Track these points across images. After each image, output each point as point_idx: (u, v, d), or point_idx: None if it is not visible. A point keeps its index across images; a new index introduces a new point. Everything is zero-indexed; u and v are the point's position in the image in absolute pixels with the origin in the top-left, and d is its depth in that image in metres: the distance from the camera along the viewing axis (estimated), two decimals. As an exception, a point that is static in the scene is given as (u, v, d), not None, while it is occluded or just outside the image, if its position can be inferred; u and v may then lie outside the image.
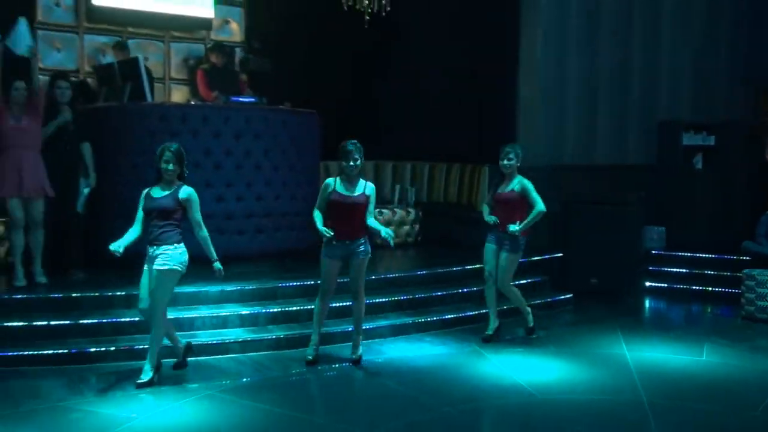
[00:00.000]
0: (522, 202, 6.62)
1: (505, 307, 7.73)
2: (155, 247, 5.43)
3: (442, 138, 10.65)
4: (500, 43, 10.31)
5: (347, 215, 5.91)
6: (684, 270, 9.60)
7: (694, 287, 9.36)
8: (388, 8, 9.76)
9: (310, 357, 6.08)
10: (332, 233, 5.79)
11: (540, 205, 6.56)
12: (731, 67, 11.00)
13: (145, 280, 5.51)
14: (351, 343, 6.24)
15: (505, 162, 6.64)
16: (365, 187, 6.00)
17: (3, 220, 7.35)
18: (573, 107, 10.27)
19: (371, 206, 6.00)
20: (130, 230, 5.48)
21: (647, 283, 9.60)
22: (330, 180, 6.05)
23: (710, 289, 9.28)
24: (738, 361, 6.46)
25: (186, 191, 5.50)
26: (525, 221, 6.55)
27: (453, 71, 10.79)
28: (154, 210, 5.45)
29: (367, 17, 9.77)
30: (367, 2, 9.78)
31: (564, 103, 10.19)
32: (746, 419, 5.08)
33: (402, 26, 10.68)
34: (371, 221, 5.96)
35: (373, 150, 9.65)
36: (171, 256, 5.40)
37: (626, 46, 10.54)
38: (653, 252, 9.93)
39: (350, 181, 5.96)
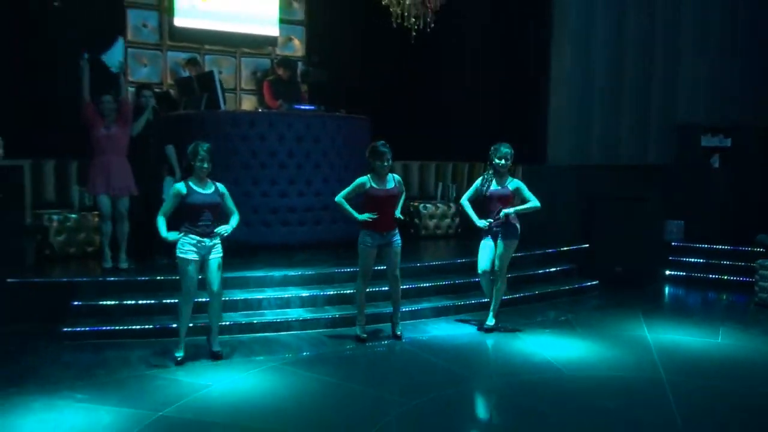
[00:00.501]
0: (513, 200, 6.40)
1: (537, 292, 7.69)
2: (209, 239, 5.30)
3: (481, 141, 10.48)
4: (533, 58, 10.18)
5: (385, 207, 5.89)
6: (701, 260, 9.37)
7: (710, 276, 9.13)
8: (432, 25, 9.72)
9: (364, 335, 6.08)
10: (375, 216, 5.79)
11: (536, 202, 6.30)
12: (746, 74, 10.66)
13: (192, 267, 5.30)
14: (393, 322, 6.26)
15: (504, 162, 6.34)
16: (394, 180, 6.04)
17: (96, 213, 7.55)
18: (598, 113, 10.09)
19: (403, 196, 6.11)
20: (164, 220, 5.26)
21: (667, 272, 9.39)
22: (364, 178, 5.97)
23: (726, 277, 9.06)
24: (751, 344, 6.28)
25: (221, 186, 5.45)
26: (519, 207, 6.30)
27: (492, 82, 10.69)
28: (205, 205, 5.28)
29: (414, 33, 9.75)
30: (413, 20, 9.76)
31: (590, 110, 10.01)
32: (758, 396, 4.94)
33: (447, 41, 10.61)
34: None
35: (417, 151, 9.62)
36: (221, 246, 5.41)
37: (648, 57, 10.29)
38: (673, 243, 9.71)
39: (381, 177, 5.94)
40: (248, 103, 10.60)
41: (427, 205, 9.89)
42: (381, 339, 6.19)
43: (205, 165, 5.28)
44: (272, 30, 10.70)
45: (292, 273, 7.04)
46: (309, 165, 8.03)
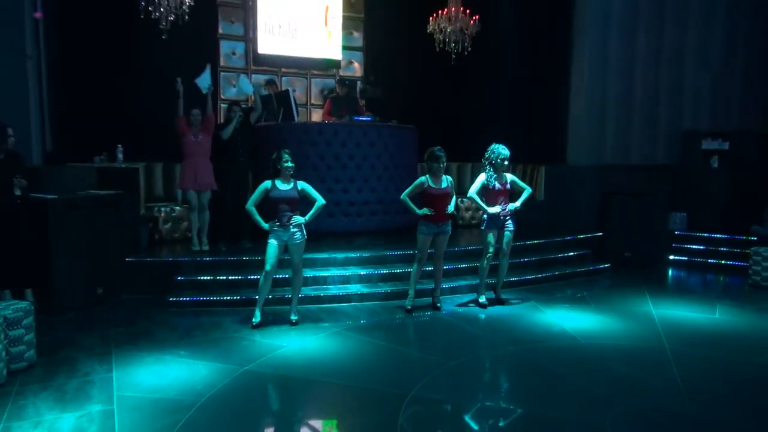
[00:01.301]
0: (511, 191, 6.28)
1: (556, 273, 7.55)
2: (288, 227, 5.36)
3: (511, 144, 10.35)
4: (556, 72, 9.96)
5: (440, 203, 5.86)
6: (702, 247, 9.02)
7: (710, 261, 8.78)
8: (469, 49, 9.60)
9: (409, 306, 6.09)
10: (432, 211, 5.80)
11: (528, 188, 6.30)
12: (744, 86, 10.19)
13: (273, 250, 5.36)
14: (434, 296, 6.26)
15: (507, 162, 6.21)
16: (448, 181, 5.97)
17: (185, 205, 7.73)
18: (613, 119, 9.81)
19: (454, 194, 6.02)
20: (254, 209, 5.33)
21: (671, 257, 9.08)
22: (423, 178, 5.95)
23: (723, 262, 8.69)
24: (745, 320, 6.02)
25: (300, 184, 5.42)
26: (521, 199, 6.23)
27: (520, 95, 10.52)
28: (285, 199, 5.33)
29: (454, 55, 9.65)
30: (453, 45, 9.65)
31: (605, 117, 9.74)
32: (750, 365, 4.75)
33: (482, 61, 10.48)
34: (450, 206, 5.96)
35: (457, 154, 9.56)
36: (301, 231, 5.43)
37: (656, 70, 9.95)
38: (677, 232, 9.37)
39: (437, 177, 5.90)
40: (316, 116, 10.67)
41: (464, 200, 9.79)
42: (424, 310, 6.19)
43: (289, 164, 5.33)
44: (336, 54, 10.75)
45: (352, 255, 7.07)
46: (366, 166, 8.04)
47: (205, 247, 7.15)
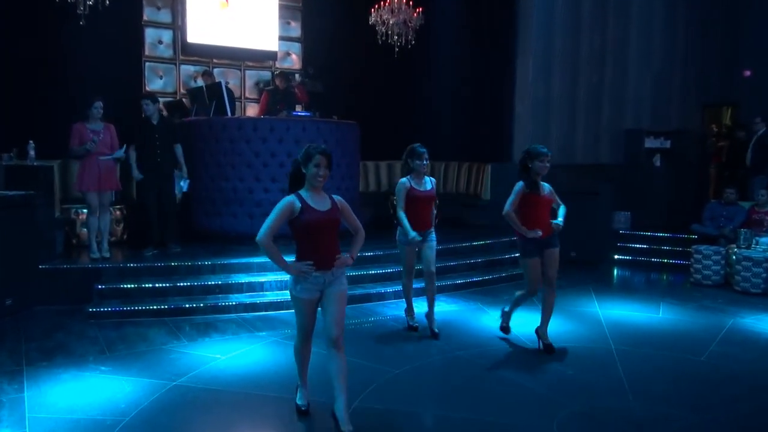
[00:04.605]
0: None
1: (503, 274, 7.69)
2: (332, 271, 3.61)
3: (456, 143, 10.57)
4: (500, 68, 10.18)
5: (424, 208, 5.37)
6: (645, 246, 9.42)
7: (653, 259, 9.20)
8: (413, 42, 9.68)
9: (416, 325, 5.66)
10: (420, 238, 5.25)
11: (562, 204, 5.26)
12: (683, 87, 10.74)
13: (308, 308, 3.72)
14: (429, 321, 5.61)
15: (547, 164, 4.98)
16: (432, 182, 5.49)
17: (117, 206, 7.43)
18: (557, 118, 10.10)
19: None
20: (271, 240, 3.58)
21: (615, 256, 9.44)
22: (404, 180, 5.33)
23: (666, 261, 9.12)
24: (688, 317, 6.32)
25: (337, 197, 3.72)
26: (562, 215, 5.15)
27: (464, 91, 10.70)
28: (324, 222, 3.55)
29: (396, 48, 9.70)
30: (396, 37, 9.70)
31: (549, 116, 10.03)
32: (694, 363, 4.98)
33: (423, 54, 10.58)
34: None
35: (399, 151, 9.59)
36: (345, 280, 3.74)
37: (600, 70, 10.33)
38: (621, 231, 9.75)
39: (420, 178, 5.36)
40: (252, 110, 10.50)
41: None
42: (371, 316, 6.14)
43: (322, 172, 3.53)
44: (272, 45, 10.61)
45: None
46: (305, 164, 7.95)
47: (106, 254, 6.78)
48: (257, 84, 10.64)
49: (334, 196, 3.69)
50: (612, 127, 10.44)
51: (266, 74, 10.70)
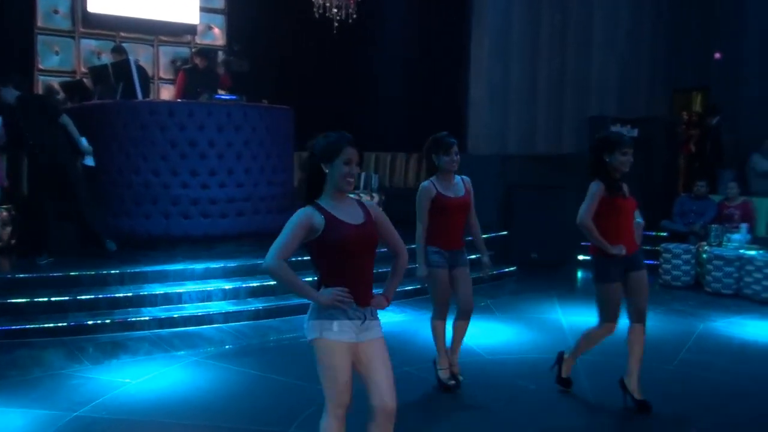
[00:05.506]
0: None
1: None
2: (370, 310, 2.99)
3: (403, 131, 10.65)
4: (452, 48, 10.31)
5: (456, 220, 4.64)
6: (611, 245, 9.69)
7: (619, 260, 9.47)
8: (355, 16, 9.67)
9: (451, 382, 4.71)
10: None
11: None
12: (651, 70, 11.15)
13: (343, 361, 2.90)
14: (451, 363, 4.80)
15: (630, 157, 4.48)
16: (464, 182, 4.72)
17: (5, 206, 7.15)
18: (516, 104, 10.32)
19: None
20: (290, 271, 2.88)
21: (580, 257, 9.68)
22: (426, 183, 4.56)
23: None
24: (656, 322, 6.54)
25: (369, 202, 3.27)
26: (641, 219, 4.71)
27: (411, 72, 10.79)
28: (360, 239, 2.95)
29: (336, 23, 9.68)
30: (335, 11, 9.68)
31: (508, 101, 10.23)
32: (664, 371, 5.17)
33: (368, 31, 10.59)
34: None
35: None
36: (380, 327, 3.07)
37: (562, 53, 10.60)
38: (585, 230, 10.00)
39: (449, 179, 4.60)
40: (167, 93, 10.28)
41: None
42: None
43: (353, 171, 2.98)
44: (191, 17, 10.41)
45: (213, 265, 6.90)
46: (230, 155, 7.82)
47: None
48: (173, 62, 10.43)
49: (365, 202, 3.13)
50: (576, 115, 10.73)
51: (184, 51, 10.49)
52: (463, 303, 4.66)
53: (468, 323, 4.71)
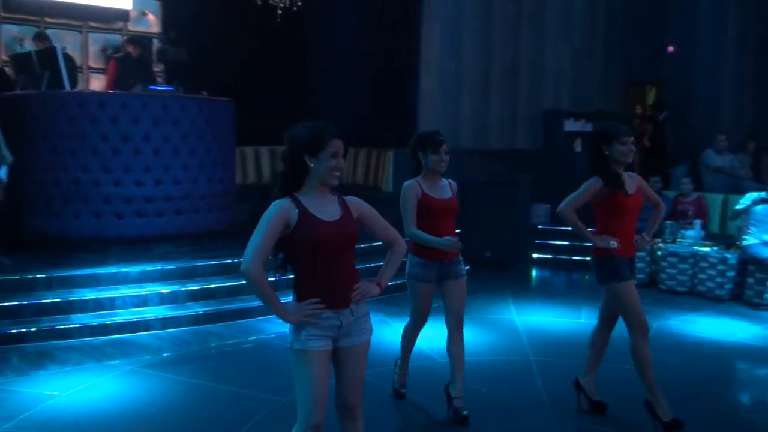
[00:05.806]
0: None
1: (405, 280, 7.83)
2: (351, 309, 2.94)
3: (352, 125, 10.60)
4: (402, 37, 10.35)
5: (444, 223, 4.45)
6: (566, 242, 9.88)
7: (574, 257, 9.65)
8: (300, 2, 9.62)
9: (402, 390, 4.77)
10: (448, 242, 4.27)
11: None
12: (605, 64, 11.42)
13: (320, 370, 2.93)
14: (450, 391, 4.52)
15: (631, 147, 4.29)
16: (450, 185, 4.60)
17: None
18: (468, 97, 10.43)
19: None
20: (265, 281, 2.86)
21: (534, 255, 9.88)
22: (412, 182, 4.38)
23: (589, 258, 9.54)
24: (612, 322, 6.73)
25: (351, 198, 3.06)
26: (653, 224, 4.58)
27: (360, 63, 10.79)
28: (334, 238, 2.87)
29: (279, 11, 9.61)
30: (279, -3, 9.61)
31: (460, 93, 10.33)
32: (619, 371, 5.28)
33: (314, 20, 10.55)
34: None
35: (283, 134, 9.46)
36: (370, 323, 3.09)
37: (515, 44, 10.77)
38: (539, 227, 10.20)
39: (435, 180, 4.46)
40: (98, 83, 10.05)
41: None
42: (250, 335, 6.06)
43: (340, 164, 2.93)
44: (124, 2, 10.22)
45: (150, 268, 6.79)
46: (167, 150, 7.70)
47: None
48: (104, 50, 10.22)
49: (345, 197, 3.01)
50: (529, 107, 10.92)
51: (115, 38, 10.27)
52: (452, 321, 4.48)
53: (463, 348, 4.54)
